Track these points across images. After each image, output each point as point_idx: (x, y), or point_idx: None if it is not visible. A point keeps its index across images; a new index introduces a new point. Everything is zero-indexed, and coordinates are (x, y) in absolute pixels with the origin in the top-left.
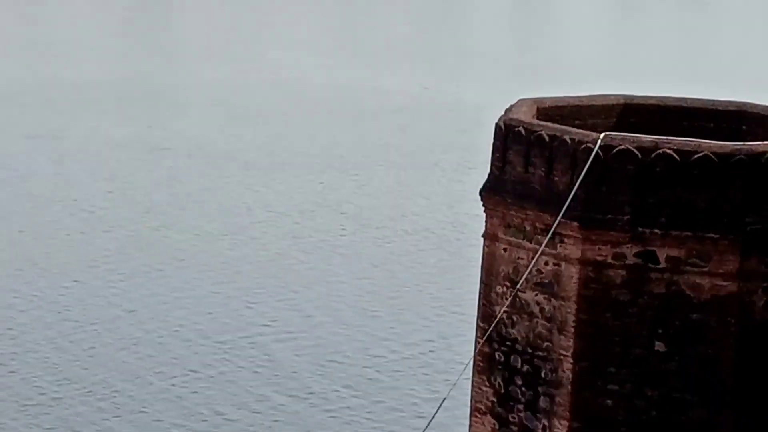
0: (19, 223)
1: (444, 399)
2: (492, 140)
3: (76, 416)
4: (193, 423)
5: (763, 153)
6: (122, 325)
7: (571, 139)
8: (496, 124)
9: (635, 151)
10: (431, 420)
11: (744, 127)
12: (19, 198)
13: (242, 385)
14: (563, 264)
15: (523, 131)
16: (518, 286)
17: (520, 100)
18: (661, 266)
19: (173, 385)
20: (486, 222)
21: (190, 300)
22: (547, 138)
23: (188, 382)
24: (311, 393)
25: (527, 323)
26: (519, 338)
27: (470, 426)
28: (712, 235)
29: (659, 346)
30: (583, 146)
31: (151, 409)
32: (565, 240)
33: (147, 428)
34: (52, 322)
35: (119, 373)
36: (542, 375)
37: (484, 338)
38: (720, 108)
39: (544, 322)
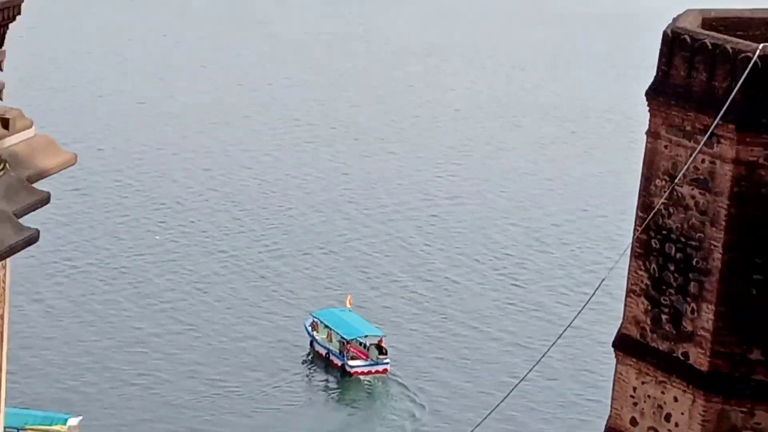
0: None
1: (603, 280)
2: (660, 46)
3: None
4: None
5: None
6: None
7: (732, 48)
8: (664, 32)
9: None
10: (590, 298)
11: None
12: None
13: None
14: (718, 162)
15: (688, 39)
16: (676, 181)
17: (687, 10)
18: None
19: None
20: (650, 121)
21: None
22: (710, 46)
23: None
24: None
25: (682, 215)
26: (674, 228)
27: (625, 305)
28: None
29: None
30: (743, 55)
31: None
32: (722, 140)
33: None
34: None
35: None
36: (693, 263)
37: (642, 226)
38: None
39: (698, 214)
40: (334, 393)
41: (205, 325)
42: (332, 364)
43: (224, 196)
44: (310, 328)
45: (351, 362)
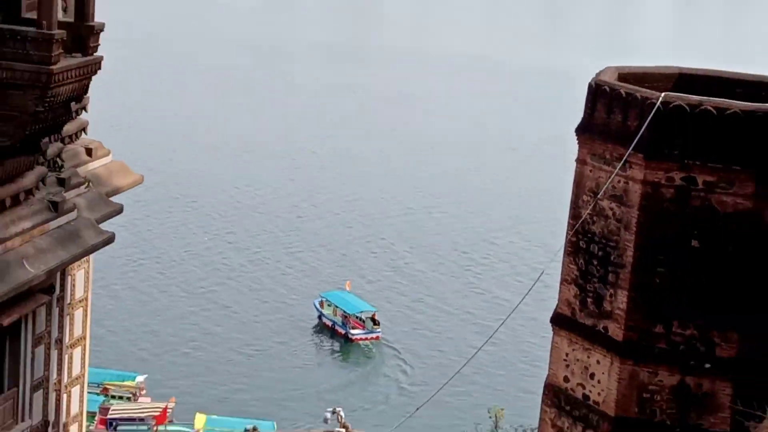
0: None
1: (542, 272)
2: (586, 94)
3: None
4: None
5: None
6: None
7: (641, 95)
8: (589, 83)
9: (685, 106)
10: (533, 285)
11: (763, 93)
12: None
13: None
14: (630, 182)
15: (607, 89)
16: (598, 196)
17: (606, 67)
18: (699, 187)
19: None
20: (578, 151)
21: None
22: (624, 94)
23: None
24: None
25: (603, 222)
26: (597, 232)
27: (560, 291)
28: (736, 167)
29: (695, 243)
30: (649, 101)
31: None
32: (633, 166)
33: None
34: None
35: None
36: (612, 259)
37: (573, 231)
38: (747, 79)
39: (615, 222)
40: (338, 355)
41: (236, 305)
42: (337, 333)
43: (251, 208)
44: (318, 306)
45: (352, 331)
